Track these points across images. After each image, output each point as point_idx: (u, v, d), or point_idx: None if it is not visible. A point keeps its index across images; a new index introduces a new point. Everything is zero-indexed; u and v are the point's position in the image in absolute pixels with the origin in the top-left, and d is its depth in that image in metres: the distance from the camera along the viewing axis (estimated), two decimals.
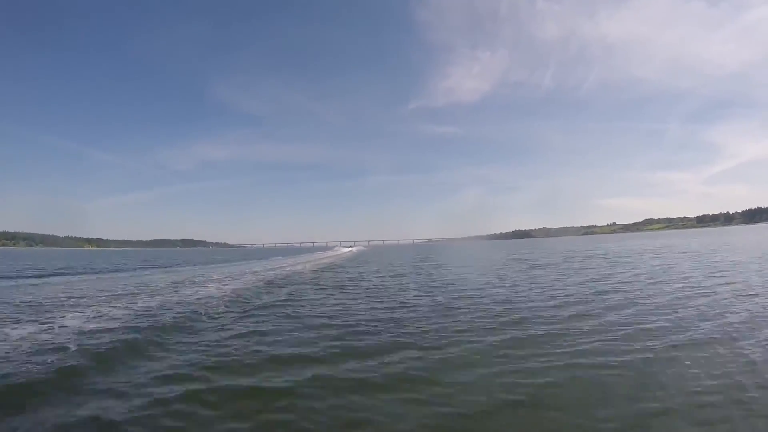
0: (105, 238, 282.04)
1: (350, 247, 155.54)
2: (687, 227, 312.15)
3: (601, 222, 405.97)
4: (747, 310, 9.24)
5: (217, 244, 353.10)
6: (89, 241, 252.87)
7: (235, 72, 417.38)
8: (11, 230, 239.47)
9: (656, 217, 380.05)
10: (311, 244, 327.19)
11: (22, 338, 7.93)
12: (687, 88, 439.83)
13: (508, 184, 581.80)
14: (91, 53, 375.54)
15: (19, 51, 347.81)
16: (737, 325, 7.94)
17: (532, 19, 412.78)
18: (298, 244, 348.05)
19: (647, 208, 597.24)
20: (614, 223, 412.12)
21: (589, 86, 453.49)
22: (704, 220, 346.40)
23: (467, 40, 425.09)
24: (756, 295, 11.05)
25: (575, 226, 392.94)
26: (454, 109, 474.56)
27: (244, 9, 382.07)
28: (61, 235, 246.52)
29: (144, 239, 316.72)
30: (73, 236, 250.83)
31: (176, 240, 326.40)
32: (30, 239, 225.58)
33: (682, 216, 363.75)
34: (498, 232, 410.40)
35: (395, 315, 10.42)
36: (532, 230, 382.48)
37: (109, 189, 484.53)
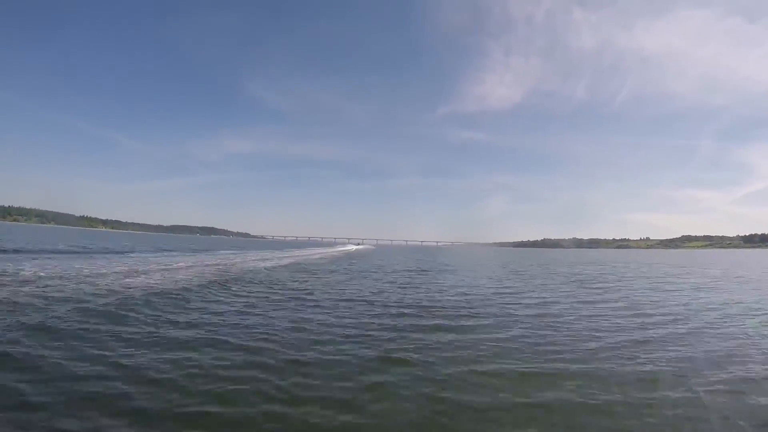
0: (123, 220, 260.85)
1: (362, 245, 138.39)
2: (734, 246, 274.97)
3: (631, 236, 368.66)
4: None
5: (238, 233, 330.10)
6: (104, 223, 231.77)
7: (264, 67, 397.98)
8: (27, 206, 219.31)
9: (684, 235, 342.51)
10: (333, 239, 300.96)
11: None
12: (720, 105, 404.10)
13: (533, 193, 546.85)
14: (126, 45, 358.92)
15: (56, 42, 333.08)
16: None
17: (567, 28, 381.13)
18: (320, 239, 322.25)
19: (674, 226, 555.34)
20: (647, 238, 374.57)
21: (622, 99, 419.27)
22: (753, 240, 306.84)
23: (501, 46, 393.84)
24: None
25: (607, 238, 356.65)
26: (484, 115, 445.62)
27: (275, 5, 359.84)
28: (76, 215, 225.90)
29: (164, 225, 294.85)
30: (89, 216, 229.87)
31: (196, 227, 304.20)
32: (43, 216, 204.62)
33: (712, 234, 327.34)
34: (525, 239, 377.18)
35: None
36: (562, 240, 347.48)
37: (137, 175, 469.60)
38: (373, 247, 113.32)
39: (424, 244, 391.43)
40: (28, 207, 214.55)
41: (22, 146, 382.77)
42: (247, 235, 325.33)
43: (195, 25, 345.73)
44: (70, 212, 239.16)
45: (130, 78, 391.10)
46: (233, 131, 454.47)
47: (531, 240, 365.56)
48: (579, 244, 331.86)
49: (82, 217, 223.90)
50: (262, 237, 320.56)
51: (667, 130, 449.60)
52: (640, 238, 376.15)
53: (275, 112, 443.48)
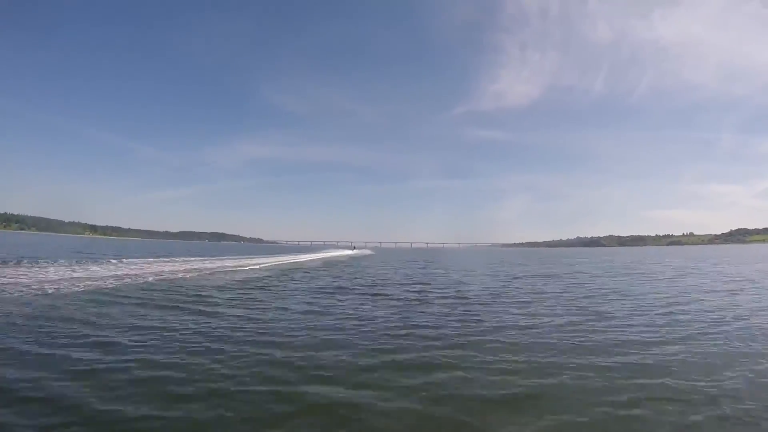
0: (125, 227, 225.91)
1: (357, 249, 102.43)
2: None
3: (654, 232, 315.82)
4: None
5: (250, 239, 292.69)
6: (94, 229, 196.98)
7: (277, 71, 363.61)
8: (20, 214, 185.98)
9: (711, 231, 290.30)
10: (350, 243, 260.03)
11: None
12: (741, 96, 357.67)
13: (555, 191, 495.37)
14: (140, 53, 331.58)
15: (69, 50, 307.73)
16: None
17: (583, 20, 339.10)
18: (335, 242, 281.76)
19: (698, 221, 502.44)
20: (691, 234, 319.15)
21: (641, 92, 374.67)
22: None
23: (517, 41, 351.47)
24: None
25: (650, 235, 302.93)
26: (501, 113, 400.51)
27: (284, 8, 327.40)
28: (66, 221, 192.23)
29: (171, 231, 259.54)
30: (79, 222, 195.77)
31: (205, 233, 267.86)
32: (23, 223, 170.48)
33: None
34: (554, 239, 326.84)
35: None
36: (601, 238, 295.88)
37: (156, 184, 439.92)
38: (371, 253, 73.52)
39: (445, 246, 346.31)
40: (14, 214, 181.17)
41: (26, 154, 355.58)
42: (260, 240, 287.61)
43: (206, 30, 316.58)
44: (72, 220, 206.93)
45: (141, 84, 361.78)
46: (248, 136, 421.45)
47: (564, 239, 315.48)
48: (621, 242, 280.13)
49: (71, 223, 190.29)
50: (275, 242, 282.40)
51: (688, 122, 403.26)
52: (683, 234, 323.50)
53: (289, 116, 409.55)
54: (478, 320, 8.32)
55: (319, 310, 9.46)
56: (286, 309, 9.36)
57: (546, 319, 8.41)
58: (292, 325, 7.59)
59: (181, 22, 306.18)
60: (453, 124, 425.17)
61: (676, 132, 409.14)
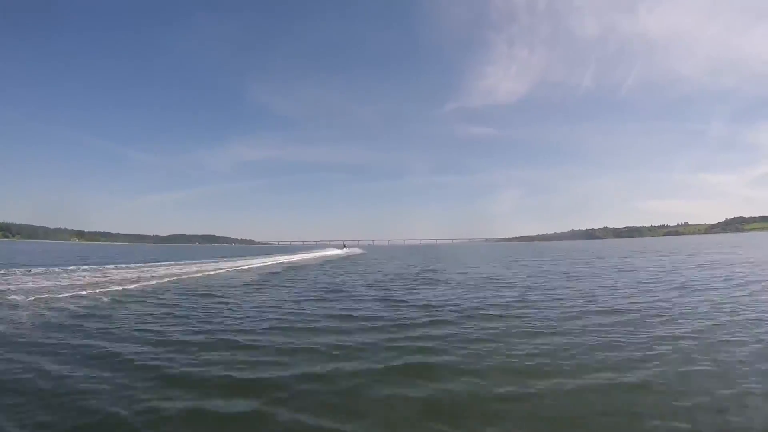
0: (113, 232, 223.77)
1: (347, 248, 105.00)
2: None
3: (647, 223, 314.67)
4: None
5: (242, 240, 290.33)
6: (80, 234, 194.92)
7: (269, 72, 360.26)
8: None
9: (705, 221, 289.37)
10: (341, 242, 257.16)
11: None
12: (731, 86, 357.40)
13: (547, 185, 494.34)
14: (129, 56, 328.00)
15: (59, 55, 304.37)
16: None
17: (570, 14, 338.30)
18: (328, 242, 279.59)
19: (690, 211, 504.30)
20: (686, 223, 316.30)
21: (630, 85, 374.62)
22: None
23: (505, 37, 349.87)
24: None
25: (645, 226, 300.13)
26: (492, 109, 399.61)
27: (274, 7, 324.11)
28: (51, 227, 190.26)
29: (161, 235, 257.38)
30: (66, 228, 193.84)
31: (196, 236, 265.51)
32: (8, 230, 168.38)
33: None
34: (552, 232, 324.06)
35: None
36: (595, 230, 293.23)
37: (147, 187, 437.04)
38: (362, 251, 68.67)
39: (438, 242, 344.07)
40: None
41: (12, 161, 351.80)
42: (251, 241, 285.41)
43: (196, 32, 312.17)
44: (59, 226, 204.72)
45: (131, 87, 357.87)
46: (240, 139, 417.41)
47: (558, 232, 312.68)
48: (617, 233, 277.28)
49: (58, 230, 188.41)
50: (267, 243, 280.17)
51: (678, 114, 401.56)
52: (678, 224, 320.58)
53: (282, 117, 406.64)
54: None
55: None
56: None
57: None
58: None
59: (171, 25, 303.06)
60: (445, 121, 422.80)
61: (667, 123, 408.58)
